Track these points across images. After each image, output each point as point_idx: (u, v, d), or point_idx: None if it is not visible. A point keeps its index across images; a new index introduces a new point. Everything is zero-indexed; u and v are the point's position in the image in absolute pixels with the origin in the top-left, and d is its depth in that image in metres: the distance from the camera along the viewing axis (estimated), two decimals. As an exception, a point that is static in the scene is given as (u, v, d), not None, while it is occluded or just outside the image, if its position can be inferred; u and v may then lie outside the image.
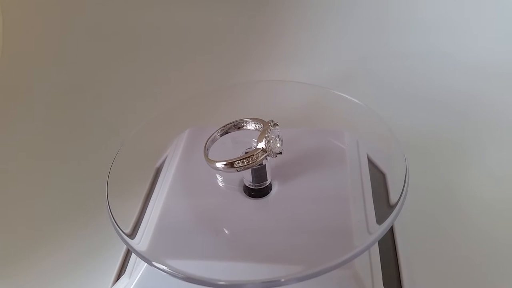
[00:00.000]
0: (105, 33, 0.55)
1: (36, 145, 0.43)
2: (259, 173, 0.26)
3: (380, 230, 0.23)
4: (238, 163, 0.24)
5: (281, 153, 0.25)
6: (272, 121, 0.25)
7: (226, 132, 0.28)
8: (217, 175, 0.28)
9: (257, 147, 0.25)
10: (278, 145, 0.25)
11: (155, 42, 0.55)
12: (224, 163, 0.24)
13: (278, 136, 0.25)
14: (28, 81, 0.51)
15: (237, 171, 0.25)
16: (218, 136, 0.28)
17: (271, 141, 0.25)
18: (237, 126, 0.28)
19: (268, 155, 0.25)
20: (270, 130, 0.25)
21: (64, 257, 0.32)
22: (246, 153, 0.26)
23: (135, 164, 0.32)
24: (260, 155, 0.24)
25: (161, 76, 0.51)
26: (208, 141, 0.27)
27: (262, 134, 0.25)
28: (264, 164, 0.25)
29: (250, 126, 0.27)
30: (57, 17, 0.56)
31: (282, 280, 0.20)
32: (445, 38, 0.52)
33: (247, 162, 0.24)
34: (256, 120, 0.27)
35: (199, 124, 0.32)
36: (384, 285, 0.25)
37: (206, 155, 0.26)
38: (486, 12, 0.52)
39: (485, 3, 0.51)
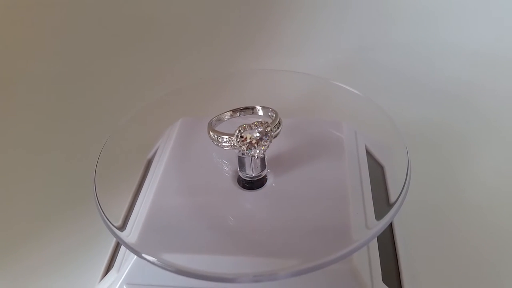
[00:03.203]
0: (99, 22, 0.55)
1: (23, 137, 0.42)
2: (242, 161, 0.25)
3: (379, 225, 0.22)
4: (213, 135, 0.24)
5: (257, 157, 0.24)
6: (261, 123, 0.23)
7: (237, 115, 0.27)
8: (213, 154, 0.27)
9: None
10: (251, 146, 0.23)
11: (149, 32, 0.54)
12: (227, 136, 0.24)
13: (260, 138, 0.23)
14: (19, 73, 0.50)
15: (210, 138, 0.25)
16: (227, 117, 0.27)
17: (241, 138, 0.23)
18: (250, 110, 0.27)
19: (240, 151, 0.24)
20: (249, 129, 0.23)
21: (52, 252, 0.31)
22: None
23: (126, 155, 0.31)
24: (227, 141, 0.24)
25: (155, 66, 0.50)
26: (215, 118, 0.27)
27: (236, 129, 0.23)
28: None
29: (261, 112, 0.27)
30: (49, 10, 0.55)
31: (277, 274, 0.20)
32: (447, 27, 0.51)
33: (217, 135, 0.24)
34: (269, 109, 0.26)
35: (193, 114, 0.31)
36: (383, 280, 0.24)
37: (210, 123, 0.26)
38: (489, 0, 0.51)
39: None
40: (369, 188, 0.27)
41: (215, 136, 0.24)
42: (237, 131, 0.23)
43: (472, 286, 0.27)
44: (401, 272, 0.26)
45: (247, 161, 0.25)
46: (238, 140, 0.23)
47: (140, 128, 0.30)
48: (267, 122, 0.24)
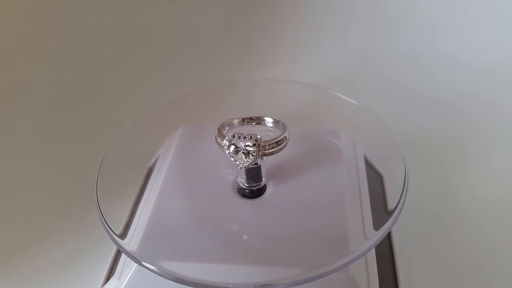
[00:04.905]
0: (100, 30, 0.55)
1: (26, 143, 0.42)
2: (239, 170, 0.25)
3: (377, 236, 0.22)
4: (219, 138, 0.24)
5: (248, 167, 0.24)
6: (251, 137, 0.23)
7: (245, 123, 0.27)
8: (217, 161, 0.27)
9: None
10: (237, 156, 0.23)
11: (150, 40, 0.55)
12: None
13: (244, 151, 0.23)
14: (19, 78, 0.51)
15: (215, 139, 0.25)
16: (236, 124, 0.27)
17: (228, 145, 0.23)
18: (257, 121, 0.27)
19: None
20: (238, 138, 0.23)
21: (53, 258, 0.31)
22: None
23: (127, 163, 0.31)
24: (220, 141, 0.24)
25: (156, 75, 0.51)
26: (227, 122, 0.27)
27: (227, 136, 0.23)
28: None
29: (271, 124, 0.27)
30: (48, 14, 0.55)
31: (276, 283, 0.20)
32: (445, 37, 0.51)
33: (218, 137, 0.24)
34: (280, 123, 0.26)
35: (193, 122, 0.31)
36: (380, 288, 0.24)
37: (221, 125, 0.26)
38: (488, 11, 0.51)
39: (487, 2, 0.51)
40: (368, 197, 0.27)
41: (217, 137, 0.24)
42: (227, 137, 0.23)
43: (470, 295, 0.28)
44: (398, 281, 0.26)
45: (242, 170, 0.25)
46: (226, 146, 0.23)
47: (141, 136, 0.31)
48: (260, 137, 0.23)
